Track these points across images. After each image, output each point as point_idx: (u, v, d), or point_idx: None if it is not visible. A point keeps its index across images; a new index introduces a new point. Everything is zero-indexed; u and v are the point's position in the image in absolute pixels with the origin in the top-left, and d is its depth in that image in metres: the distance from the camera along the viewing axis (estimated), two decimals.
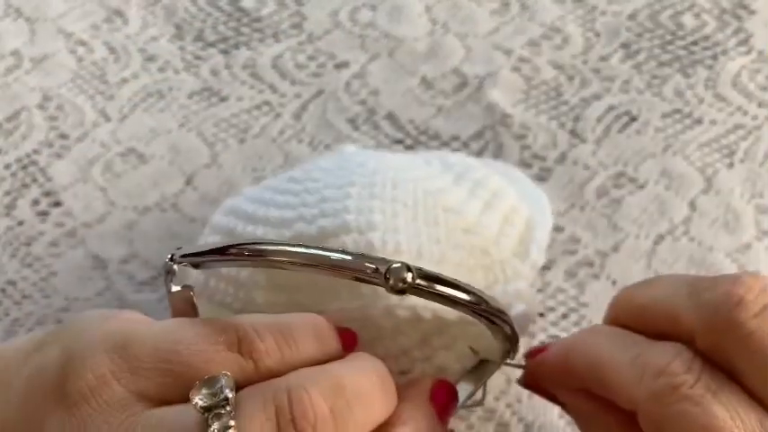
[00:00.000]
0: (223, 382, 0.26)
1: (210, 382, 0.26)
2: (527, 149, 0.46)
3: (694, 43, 0.50)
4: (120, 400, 0.27)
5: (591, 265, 0.43)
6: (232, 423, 0.25)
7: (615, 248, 0.43)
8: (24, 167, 0.47)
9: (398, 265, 0.27)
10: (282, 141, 0.47)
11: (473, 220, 0.35)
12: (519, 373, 0.34)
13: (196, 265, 0.31)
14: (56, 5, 0.53)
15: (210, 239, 0.37)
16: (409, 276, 0.27)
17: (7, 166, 0.47)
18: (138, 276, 0.43)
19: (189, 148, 0.47)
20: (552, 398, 0.34)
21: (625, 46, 0.50)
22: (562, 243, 0.43)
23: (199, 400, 0.26)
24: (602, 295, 0.41)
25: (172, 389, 0.27)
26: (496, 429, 0.38)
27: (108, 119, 0.48)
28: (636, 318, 0.31)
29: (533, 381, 0.34)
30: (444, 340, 0.34)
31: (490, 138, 0.47)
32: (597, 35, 0.51)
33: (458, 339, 0.33)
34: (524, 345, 0.36)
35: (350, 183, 0.35)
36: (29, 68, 0.50)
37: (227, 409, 0.26)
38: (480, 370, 0.33)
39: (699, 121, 0.47)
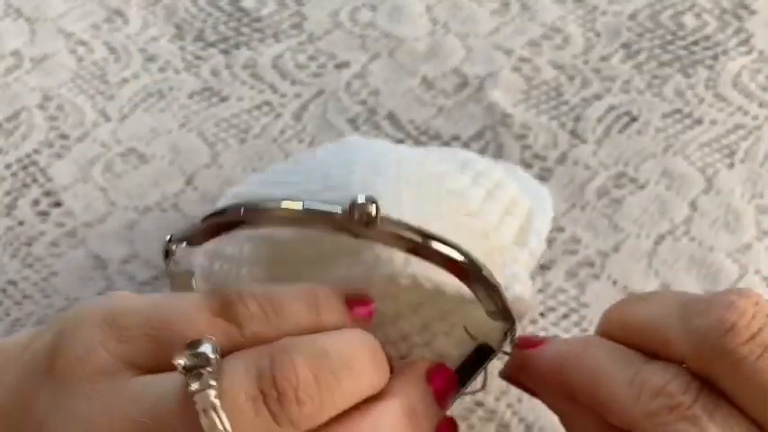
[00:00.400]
0: (206, 344, 0.26)
1: (194, 344, 0.27)
2: (528, 149, 0.46)
3: (695, 43, 0.50)
4: (107, 368, 0.27)
5: (591, 265, 0.43)
6: (213, 383, 0.26)
7: (616, 249, 0.43)
8: (25, 167, 0.47)
9: (362, 200, 0.28)
10: (283, 141, 0.47)
11: (476, 206, 0.35)
12: None
13: (194, 243, 0.32)
14: (56, 5, 0.53)
15: None
16: (373, 209, 0.28)
17: (8, 166, 0.47)
18: (138, 276, 0.43)
19: (189, 149, 0.47)
20: (532, 393, 0.34)
21: (626, 46, 0.50)
22: (563, 243, 0.43)
23: (181, 360, 0.26)
24: (603, 295, 0.41)
25: (159, 356, 0.28)
26: (497, 430, 0.38)
27: (108, 119, 0.48)
28: (627, 335, 0.31)
29: (516, 373, 0.34)
30: (444, 326, 0.34)
31: (491, 138, 0.47)
32: (598, 35, 0.51)
33: (457, 326, 0.34)
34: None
35: (354, 162, 0.35)
36: (29, 68, 0.50)
37: (209, 369, 0.26)
38: (479, 356, 0.33)
39: (699, 122, 0.47)
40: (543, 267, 0.43)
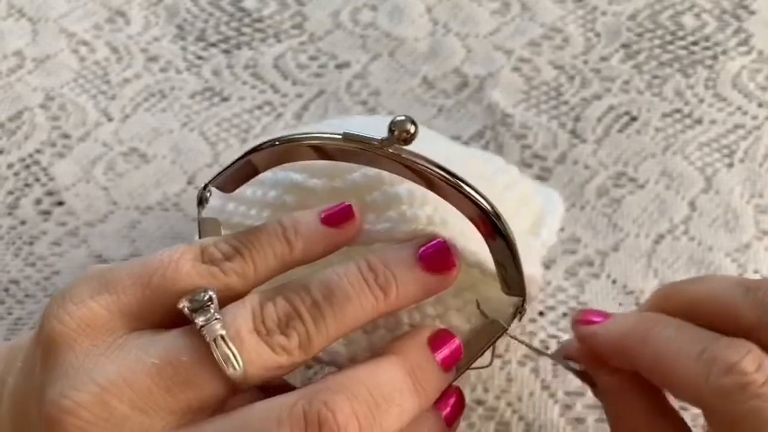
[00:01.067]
0: (208, 291, 0.28)
1: (195, 292, 0.29)
2: (527, 149, 0.47)
3: (694, 43, 0.50)
4: (101, 321, 0.28)
5: (591, 264, 0.43)
6: (218, 316, 0.28)
7: (615, 248, 0.43)
8: (27, 167, 0.47)
9: (402, 117, 0.30)
10: None
11: (498, 192, 0.36)
12: (519, 354, 0.34)
13: (227, 189, 0.33)
14: (58, 6, 0.53)
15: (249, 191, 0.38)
16: (412, 128, 0.30)
17: (10, 166, 0.47)
18: None
19: (191, 148, 0.47)
20: (585, 375, 0.34)
21: (625, 46, 0.50)
22: (562, 242, 0.43)
23: (185, 303, 0.28)
24: (602, 294, 0.42)
25: (150, 305, 0.29)
26: (497, 428, 0.38)
27: (110, 119, 0.48)
28: (688, 311, 0.31)
29: (577, 351, 0.34)
30: (457, 302, 0.34)
31: (491, 138, 0.47)
32: (597, 35, 0.51)
33: (470, 303, 0.34)
34: (524, 347, 0.36)
35: (382, 123, 0.35)
36: (31, 68, 0.50)
37: (213, 306, 0.28)
38: (489, 332, 0.33)
39: (699, 121, 0.47)
40: (543, 266, 0.43)
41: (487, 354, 0.33)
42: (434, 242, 0.32)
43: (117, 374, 0.27)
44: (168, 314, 0.29)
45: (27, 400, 0.28)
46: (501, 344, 0.40)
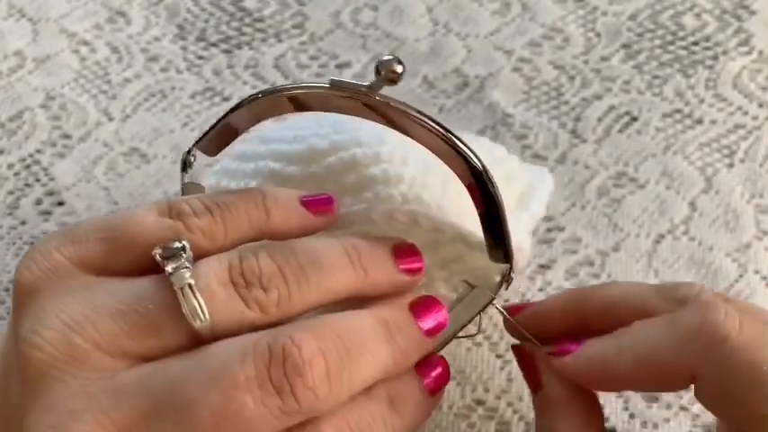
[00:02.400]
0: (182, 241, 0.29)
1: (169, 240, 0.29)
2: (528, 149, 0.47)
3: (695, 43, 0.50)
4: (65, 270, 0.29)
5: (591, 264, 0.43)
6: (188, 265, 0.28)
7: (616, 248, 0.43)
8: (27, 167, 0.47)
9: (389, 57, 0.29)
10: None
11: None
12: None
13: (210, 151, 0.33)
14: (59, 6, 0.53)
15: (224, 163, 0.38)
16: (399, 68, 0.29)
17: (10, 166, 0.47)
18: None
19: None
20: (534, 375, 0.34)
21: (626, 46, 0.50)
22: (563, 242, 0.44)
23: (158, 251, 0.28)
24: None
25: (113, 256, 0.29)
26: (498, 428, 0.38)
27: (111, 118, 0.48)
28: (603, 312, 0.32)
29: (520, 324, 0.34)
30: (443, 274, 0.34)
31: (491, 138, 0.47)
32: (598, 35, 0.51)
33: (456, 274, 0.34)
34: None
35: (359, 127, 0.36)
36: (32, 68, 0.50)
37: (185, 254, 0.28)
38: (476, 301, 0.33)
39: (699, 121, 0.47)
40: (543, 267, 0.43)
41: (474, 324, 0.33)
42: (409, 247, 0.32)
43: (82, 314, 0.27)
44: (133, 265, 0.29)
45: (5, 345, 0.29)
46: (501, 345, 0.40)
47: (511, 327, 0.34)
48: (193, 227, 0.29)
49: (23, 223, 0.45)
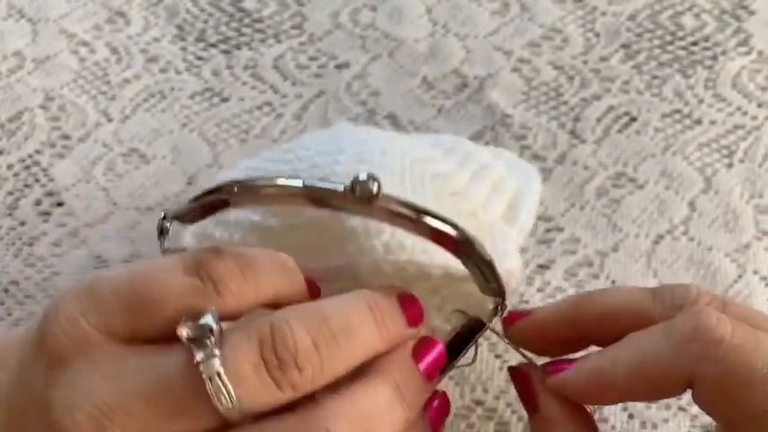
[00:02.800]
0: (208, 315, 0.27)
1: (195, 315, 0.27)
2: (527, 150, 0.47)
3: (694, 44, 0.50)
4: (91, 338, 0.28)
5: (591, 264, 0.43)
6: (217, 352, 0.27)
7: (615, 248, 0.43)
8: (27, 168, 0.47)
9: (364, 177, 0.28)
10: (283, 142, 0.47)
11: (461, 187, 0.36)
12: (519, 355, 0.35)
13: (186, 221, 0.32)
14: (58, 6, 0.53)
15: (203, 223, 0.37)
16: (375, 186, 0.28)
17: (10, 167, 0.47)
18: None
19: (191, 149, 0.47)
20: (530, 397, 0.33)
21: (625, 46, 0.50)
22: (562, 243, 0.44)
23: (184, 332, 0.27)
24: None
25: (139, 324, 0.28)
26: (496, 429, 0.38)
27: (110, 119, 0.48)
28: (602, 320, 0.32)
29: (523, 333, 0.34)
30: (435, 300, 0.35)
31: (490, 138, 0.47)
32: (597, 36, 0.51)
33: (448, 300, 0.34)
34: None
35: (339, 150, 0.36)
36: (31, 69, 0.50)
37: (212, 339, 0.27)
38: (470, 330, 0.33)
39: (698, 122, 0.47)
40: (542, 267, 0.43)
41: (470, 352, 0.33)
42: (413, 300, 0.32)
43: (112, 397, 0.27)
44: (160, 331, 0.28)
45: (25, 404, 0.28)
46: (500, 345, 0.40)
47: (511, 340, 0.34)
48: (224, 290, 0.28)
49: (23, 224, 0.45)
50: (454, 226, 0.30)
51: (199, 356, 0.26)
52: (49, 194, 0.46)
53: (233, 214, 0.36)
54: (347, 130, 0.39)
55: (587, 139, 0.47)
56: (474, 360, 0.34)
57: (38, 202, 0.46)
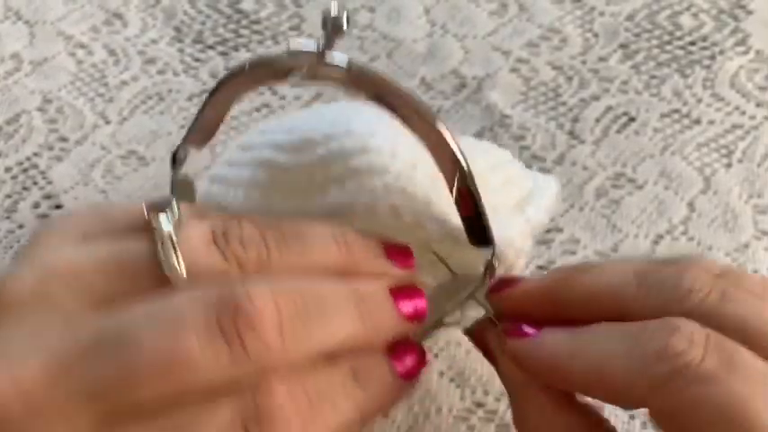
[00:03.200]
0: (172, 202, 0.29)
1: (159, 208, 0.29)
2: (526, 150, 0.47)
3: (692, 43, 0.50)
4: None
5: None
6: (172, 221, 0.29)
7: (614, 249, 0.43)
8: (25, 170, 0.47)
9: (335, 11, 0.29)
10: None
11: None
12: None
13: (198, 141, 0.34)
14: (55, 8, 0.53)
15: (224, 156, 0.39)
16: (344, 16, 0.29)
17: (8, 170, 0.47)
18: None
19: None
20: (491, 359, 0.33)
21: (623, 46, 0.50)
22: (561, 243, 0.44)
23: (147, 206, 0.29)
24: None
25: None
26: (497, 430, 0.38)
27: (108, 121, 0.48)
28: (587, 303, 0.30)
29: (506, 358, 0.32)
30: (427, 258, 0.34)
31: (489, 139, 0.47)
32: (596, 36, 0.51)
33: (437, 261, 0.34)
34: None
35: (356, 112, 0.36)
36: (28, 71, 0.50)
37: (170, 212, 0.29)
38: (459, 290, 0.33)
39: (697, 122, 0.47)
40: (542, 268, 0.43)
41: (458, 312, 0.33)
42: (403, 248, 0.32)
43: (62, 261, 0.28)
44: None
45: None
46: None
47: (495, 309, 0.33)
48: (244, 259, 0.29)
49: (21, 227, 0.45)
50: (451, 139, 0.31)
51: (155, 223, 0.28)
52: (48, 197, 0.46)
53: (248, 153, 0.36)
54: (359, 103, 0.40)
55: (586, 140, 0.47)
56: (458, 322, 0.34)
57: (36, 205, 0.46)
